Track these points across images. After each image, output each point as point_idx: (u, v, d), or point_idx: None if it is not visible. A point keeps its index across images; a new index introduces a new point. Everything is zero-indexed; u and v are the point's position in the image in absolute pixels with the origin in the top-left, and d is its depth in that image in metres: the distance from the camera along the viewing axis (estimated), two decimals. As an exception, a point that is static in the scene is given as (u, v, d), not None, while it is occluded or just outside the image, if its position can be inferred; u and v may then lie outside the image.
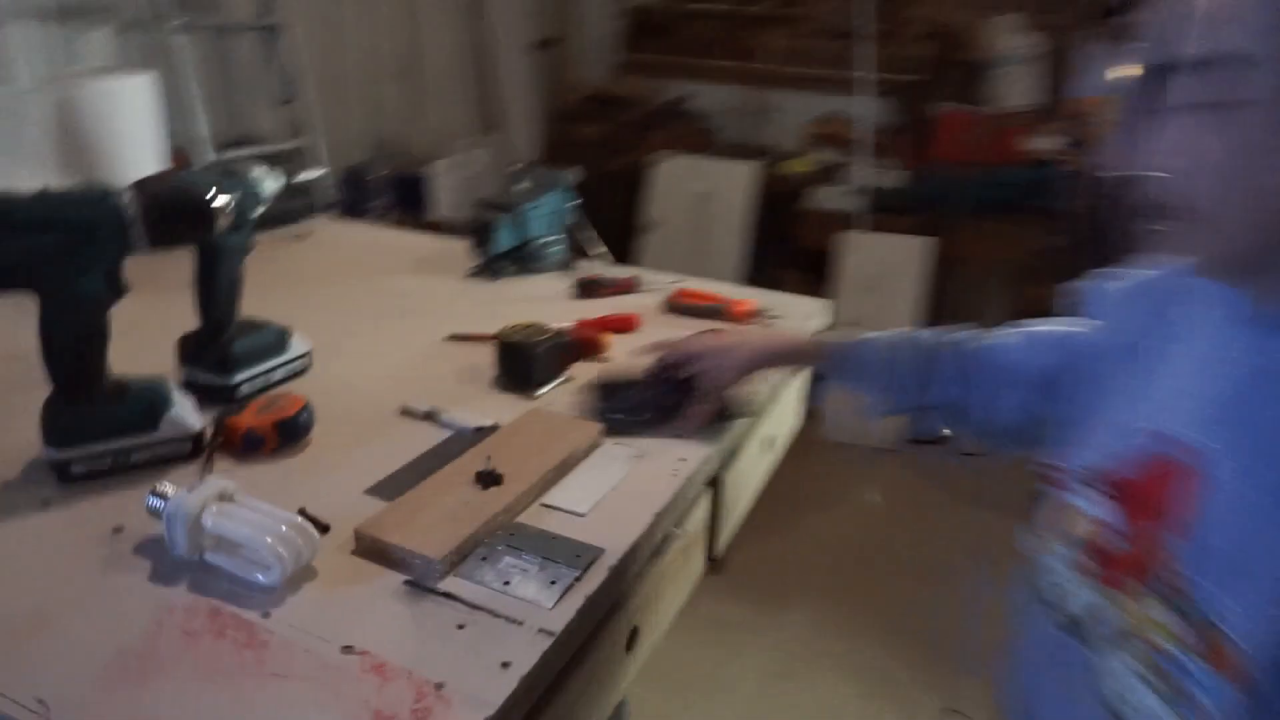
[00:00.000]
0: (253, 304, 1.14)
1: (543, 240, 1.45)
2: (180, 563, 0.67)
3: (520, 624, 0.63)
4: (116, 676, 0.57)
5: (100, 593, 0.65)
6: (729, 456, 0.98)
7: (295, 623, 0.62)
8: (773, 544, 2.56)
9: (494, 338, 1.03)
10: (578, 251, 1.54)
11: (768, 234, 3.51)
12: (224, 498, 0.69)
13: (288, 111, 2.35)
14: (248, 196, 0.90)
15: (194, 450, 0.83)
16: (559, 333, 1.03)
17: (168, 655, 0.59)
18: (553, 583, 0.67)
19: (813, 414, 3.23)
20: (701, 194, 3.47)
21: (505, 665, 0.59)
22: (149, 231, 0.75)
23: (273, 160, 2.26)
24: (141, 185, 0.77)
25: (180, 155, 1.91)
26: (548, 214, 1.47)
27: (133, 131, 1.62)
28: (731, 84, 3.66)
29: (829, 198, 3.10)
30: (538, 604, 0.65)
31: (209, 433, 0.85)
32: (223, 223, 0.78)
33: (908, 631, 2.23)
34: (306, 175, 1.10)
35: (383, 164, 2.87)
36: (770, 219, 3.43)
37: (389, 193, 2.75)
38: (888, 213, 2.99)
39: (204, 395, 0.94)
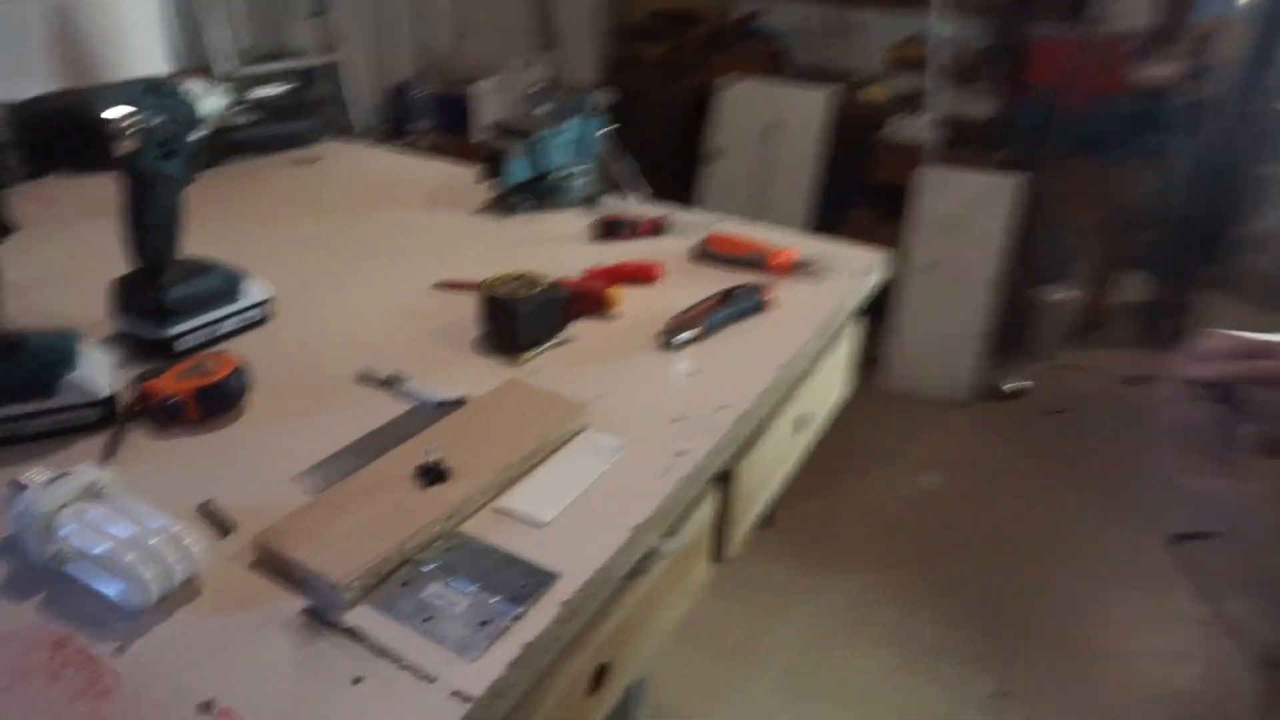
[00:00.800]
0: (225, 240, 1.01)
1: (565, 172, 1.28)
2: (38, 570, 0.55)
3: (433, 681, 0.49)
4: (-86, 728, 0.45)
5: (-65, 605, 0.53)
6: (745, 445, 0.81)
7: (152, 663, 0.50)
8: (825, 501, 2.40)
9: (479, 288, 0.88)
10: (609, 185, 1.36)
11: (840, 167, 3.26)
12: (91, 493, 0.56)
13: (321, 24, 2.20)
14: (178, 117, 0.76)
15: (106, 418, 0.71)
16: (553, 286, 0.87)
17: (-15, 701, 0.47)
18: (484, 623, 0.53)
19: (871, 361, 3.04)
20: (770, 122, 3.22)
21: (399, 743, 0.46)
22: (26, 155, 0.61)
23: (304, 76, 2.12)
24: (24, 102, 0.63)
25: (198, 69, 1.79)
26: (572, 142, 1.29)
27: (134, 41, 1.50)
28: (808, 0, 3.36)
29: (908, 129, 2.82)
30: (459, 653, 0.51)
31: (127, 397, 0.73)
32: (125, 145, 0.64)
33: (963, 604, 2.06)
34: (264, 92, 0.95)
35: (429, 82, 2.72)
36: (843, 151, 3.17)
37: (433, 113, 2.59)
38: (974, 147, 2.71)
39: (138, 350, 0.82)
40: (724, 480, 0.80)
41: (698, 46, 3.27)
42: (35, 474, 0.57)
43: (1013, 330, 2.89)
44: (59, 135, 0.62)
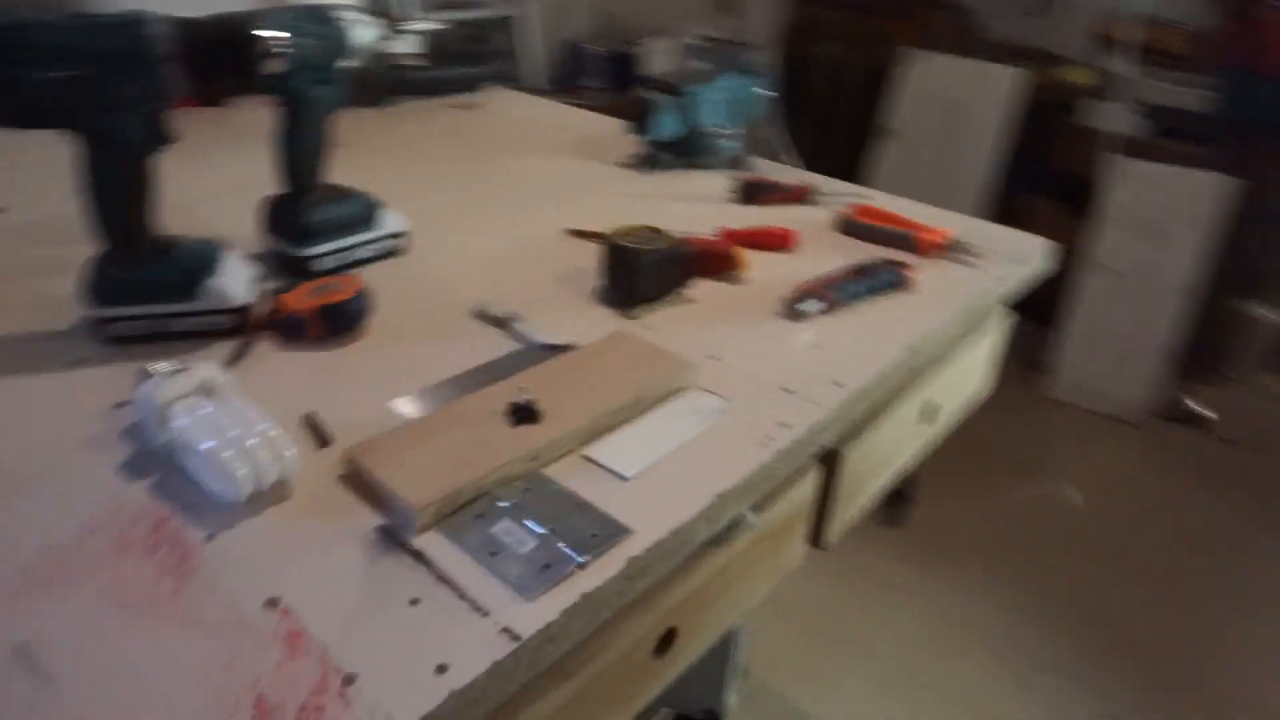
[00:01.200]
0: (376, 171, 1.06)
1: (715, 130, 1.25)
2: (155, 454, 0.59)
3: (485, 615, 0.49)
4: (25, 581, 0.49)
5: (66, 473, 0.58)
6: (856, 427, 0.77)
7: (235, 554, 0.52)
8: (963, 503, 2.28)
9: (603, 238, 0.87)
10: (759, 148, 1.32)
11: (1026, 153, 3.03)
12: (205, 390, 0.60)
13: (504, -25, 2.25)
14: (331, 44, 0.79)
15: (239, 326, 0.75)
16: (678, 241, 0.85)
17: (88, 567, 0.51)
18: (547, 566, 0.52)
19: (1039, 366, 2.83)
20: (954, 100, 3.04)
21: (441, 670, 0.46)
22: (184, 67, 0.65)
23: (482, 25, 2.18)
24: (185, 20, 0.66)
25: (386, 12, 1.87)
26: (725, 101, 1.26)
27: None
28: (1011, -29, 3.13)
29: (1107, 115, 2.58)
30: (518, 592, 0.51)
31: (261, 309, 0.77)
32: (273, 65, 0.67)
33: (1090, 626, 1.91)
34: (426, 29, 0.96)
35: (604, 39, 2.73)
36: (1031, 136, 2.95)
37: (603, 70, 2.60)
38: (1181, 138, 2.45)
39: (279, 267, 0.87)
40: (828, 461, 0.75)
41: (883, 15, 3.12)
42: (160, 365, 0.61)
43: (1205, 347, 2.61)
44: (214, 53, 0.66)
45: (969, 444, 2.62)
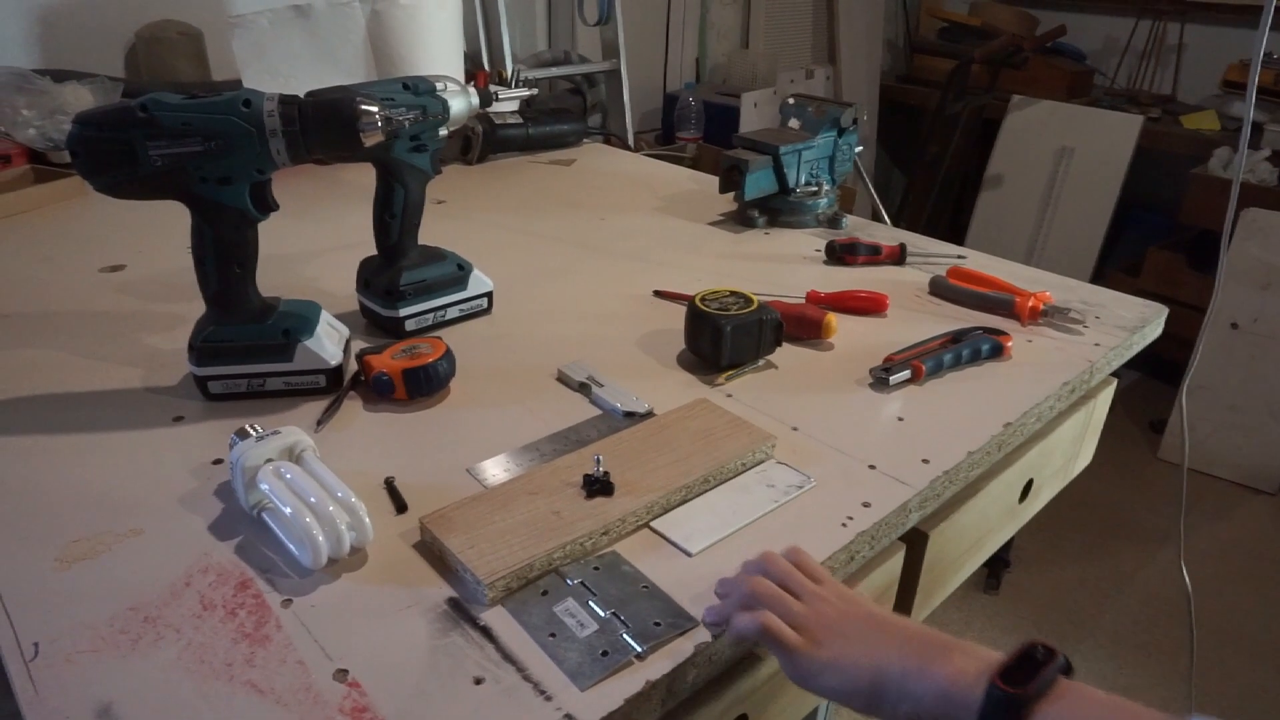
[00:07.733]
0: (468, 227, 1.08)
1: (807, 190, 1.23)
2: (244, 514, 0.61)
3: (549, 699, 0.48)
4: (109, 638, 0.51)
5: (159, 530, 0.61)
6: (946, 507, 0.73)
7: (310, 621, 0.53)
8: (1072, 572, 2.15)
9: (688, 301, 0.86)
10: (852, 207, 1.30)
11: (1146, 204, 2.90)
12: (291, 454, 0.61)
13: (606, 31, 2.30)
14: (429, 114, 0.82)
15: (333, 385, 0.77)
16: (763, 307, 0.84)
17: (169, 626, 0.52)
18: (604, 653, 0.51)
19: (1156, 427, 2.66)
20: (1063, 149, 2.94)
21: (499, 756, 0.45)
22: (289, 142, 0.69)
23: (582, 81, 2.23)
24: (289, 96, 0.70)
25: (484, 73, 1.94)
26: (818, 159, 1.24)
27: (435, 44, 1.65)
28: (1126, 15, 3.01)
29: (1236, 164, 2.43)
30: (572, 679, 0.50)
31: (352, 369, 0.80)
32: (374, 136, 0.70)
33: (1231, 729, 1.75)
34: (506, 95, 0.97)
35: (704, 91, 2.76)
36: (1152, 186, 2.81)
37: (702, 122, 2.62)
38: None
39: (374, 327, 0.90)
40: (918, 541, 0.72)
41: (990, 63, 3.04)
42: (253, 428, 0.63)
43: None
44: (318, 125, 0.69)
45: (1078, 508, 2.48)
